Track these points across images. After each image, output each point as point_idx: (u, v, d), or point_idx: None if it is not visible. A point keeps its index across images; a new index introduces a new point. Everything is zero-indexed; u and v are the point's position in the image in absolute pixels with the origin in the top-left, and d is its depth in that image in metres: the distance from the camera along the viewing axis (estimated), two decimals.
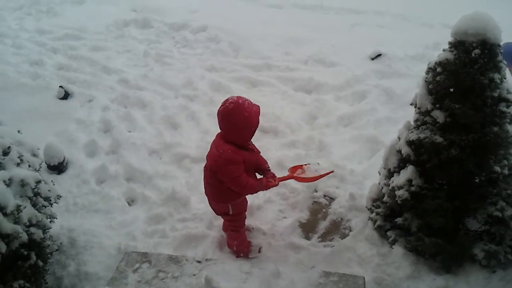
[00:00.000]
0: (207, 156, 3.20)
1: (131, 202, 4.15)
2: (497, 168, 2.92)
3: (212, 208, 3.40)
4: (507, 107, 2.84)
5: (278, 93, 5.86)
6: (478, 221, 3.13)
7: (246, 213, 3.48)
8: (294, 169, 3.48)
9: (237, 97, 2.99)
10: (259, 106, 3.03)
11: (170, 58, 6.96)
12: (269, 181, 3.20)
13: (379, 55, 6.58)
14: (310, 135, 4.92)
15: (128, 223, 3.85)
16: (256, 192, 3.25)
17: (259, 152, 3.30)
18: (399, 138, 3.27)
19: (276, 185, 3.25)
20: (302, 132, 5.02)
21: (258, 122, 3.02)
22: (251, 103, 2.99)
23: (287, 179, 3.41)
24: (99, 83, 6.20)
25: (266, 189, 3.28)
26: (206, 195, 3.35)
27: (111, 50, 7.34)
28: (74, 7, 9.49)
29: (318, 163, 3.64)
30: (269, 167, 3.32)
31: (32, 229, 2.90)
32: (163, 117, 5.27)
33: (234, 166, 3.00)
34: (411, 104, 3.18)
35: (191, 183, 4.21)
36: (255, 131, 3.05)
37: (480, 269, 3.08)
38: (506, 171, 2.97)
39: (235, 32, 7.59)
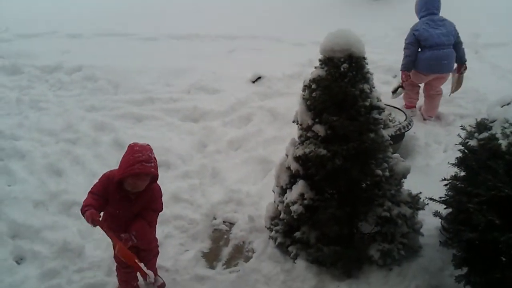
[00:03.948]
0: None
1: (19, 260, 3.82)
2: (379, 172, 3.12)
3: None
4: (379, 113, 3.06)
5: (165, 126, 5.81)
6: (369, 224, 3.30)
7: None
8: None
9: (144, 144, 3.01)
10: (148, 164, 2.91)
11: (45, 102, 6.60)
12: (94, 217, 2.88)
13: (259, 77, 6.79)
14: (202, 163, 4.92)
15: (19, 283, 3.52)
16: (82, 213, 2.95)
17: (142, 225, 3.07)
18: (287, 155, 3.37)
19: (94, 222, 2.89)
20: (194, 162, 5.00)
21: (129, 173, 2.86)
22: (144, 154, 2.90)
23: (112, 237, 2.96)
24: None
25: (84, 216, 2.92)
26: None
27: None
28: None
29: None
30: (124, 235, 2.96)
31: None
32: (45, 166, 4.94)
33: (98, 180, 3.03)
34: (293, 122, 3.30)
35: (84, 231, 3.99)
36: (124, 177, 2.88)
37: (378, 269, 3.23)
38: (387, 173, 3.17)
39: (112, 69, 7.41)
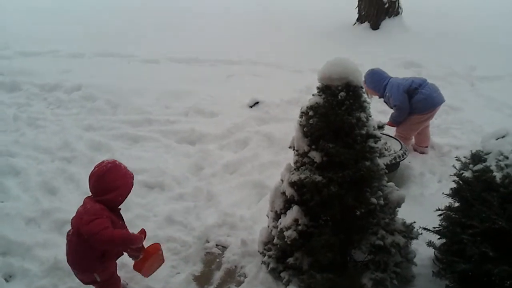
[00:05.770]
0: (71, 221, 3.05)
1: (8, 278, 3.78)
2: (374, 200, 3.12)
3: (79, 279, 3.18)
4: (375, 142, 3.08)
5: (161, 147, 5.82)
6: (363, 252, 3.29)
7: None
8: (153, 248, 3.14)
9: (113, 160, 3.05)
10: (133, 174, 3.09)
11: (43, 120, 6.62)
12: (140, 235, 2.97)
13: (257, 102, 6.84)
14: (198, 185, 4.91)
15: None
16: (126, 245, 2.96)
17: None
18: (282, 180, 3.38)
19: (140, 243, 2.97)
20: (189, 184, 4.99)
21: (132, 187, 3.03)
22: (126, 168, 3.06)
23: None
24: None
25: (136, 242, 2.93)
26: (70, 265, 3.10)
27: None
28: None
29: None
30: None
31: None
32: (39, 183, 4.93)
33: (101, 219, 2.85)
34: (290, 147, 3.32)
35: None
36: (128, 194, 3.01)
37: None
38: (382, 202, 3.18)
39: (111, 89, 7.46)
